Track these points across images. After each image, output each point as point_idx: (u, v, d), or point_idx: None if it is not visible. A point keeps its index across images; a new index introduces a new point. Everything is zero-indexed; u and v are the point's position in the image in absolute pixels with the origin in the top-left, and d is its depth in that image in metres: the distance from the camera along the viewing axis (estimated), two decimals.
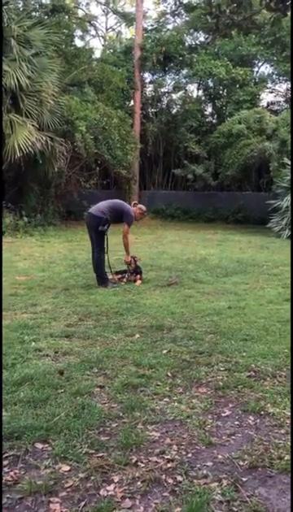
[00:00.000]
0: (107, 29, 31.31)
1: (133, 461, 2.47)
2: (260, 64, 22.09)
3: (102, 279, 6.78)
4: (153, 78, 22.09)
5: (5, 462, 2.45)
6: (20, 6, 16.02)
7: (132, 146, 17.41)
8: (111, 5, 29.91)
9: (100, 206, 6.87)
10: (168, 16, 24.37)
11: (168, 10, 24.63)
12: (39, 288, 6.49)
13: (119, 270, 7.41)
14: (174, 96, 21.80)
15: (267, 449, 2.62)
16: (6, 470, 2.39)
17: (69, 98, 15.22)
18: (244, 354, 3.99)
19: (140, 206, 7.38)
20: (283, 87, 22.04)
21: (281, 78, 21.37)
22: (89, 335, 4.45)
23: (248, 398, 3.21)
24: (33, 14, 17.33)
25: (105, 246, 6.91)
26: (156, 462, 2.48)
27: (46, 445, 2.60)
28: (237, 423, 2.91)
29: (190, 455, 2.55)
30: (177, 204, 20.73)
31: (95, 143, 15.52)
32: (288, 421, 2.91)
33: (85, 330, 4.60)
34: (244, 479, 2.35)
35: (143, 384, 3.35)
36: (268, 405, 3.11)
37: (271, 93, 22.51)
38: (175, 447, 2.61)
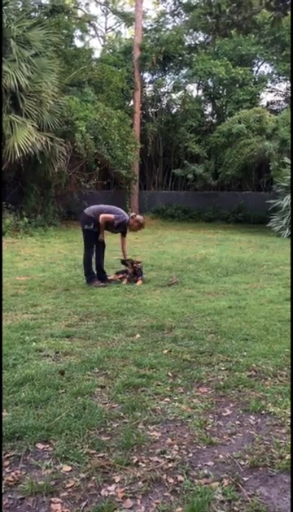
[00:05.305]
0: (106, 29, 31.31)
1: (134, 461, 2.47)
2: (259, 64, 22.09)
3: (87, 278, 6.82)
4: (153, 78, 22.10)
5: (6, 463, 2.45)
6: (20, 6, 15.98)
7: (132, 146, 17.40)
8: (111, 5, 29.90)
9: (95, 209, 6.95)
10: (167, 16, 24.33)
11: (168, 10, 24.64)
12: (40, 288, 6.50)
13: (119, 270, 7.43)
14: (174, 96, 21.80)
15: (268, 448, 2.63)
16: (7, 470, 2.39)
17: (69, 99, 15.22)
18: (245, 354, 3.99)
19: (138, 217, 7.12)
20: (283, 86, 22.07)
21: (280, 77, 21.35)
22: (90, 335, 4.45)
23: (249, 398, 3.21)
24: (33, 14, 17.32)
25: (97, 247, 6.95)
26: (157, 461, 2.48)
27: (47, 446, 2.60)
28: (238, 422, 2.91)
29: (191, 455, 2.55)
30: (178, 204, 20.74)
31: (95, 143, 15.52)
32: (289, 420, 2.91)
33: (86, 330, 4.61)
34: (245, 479, 2.35)
35: (144, 384, 3.35)
36: (269, 404, 3.11)
37: (271, 92, 22.51)
38: (176, 447, 2.61)
